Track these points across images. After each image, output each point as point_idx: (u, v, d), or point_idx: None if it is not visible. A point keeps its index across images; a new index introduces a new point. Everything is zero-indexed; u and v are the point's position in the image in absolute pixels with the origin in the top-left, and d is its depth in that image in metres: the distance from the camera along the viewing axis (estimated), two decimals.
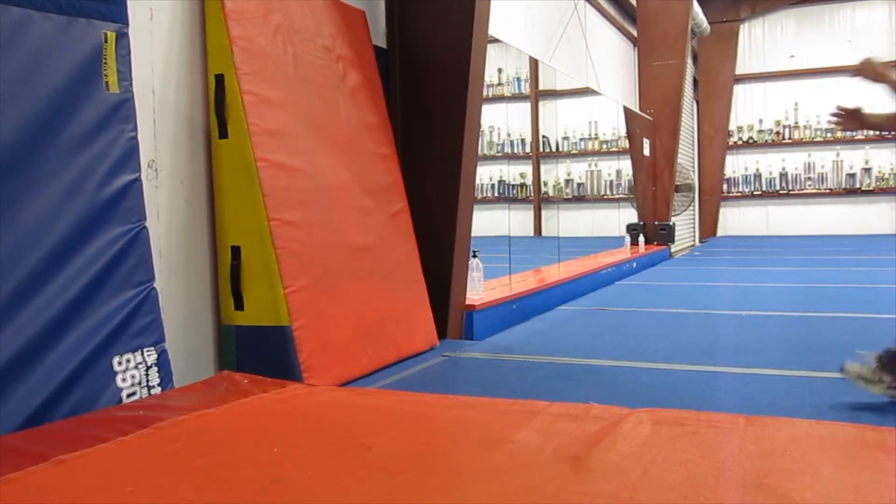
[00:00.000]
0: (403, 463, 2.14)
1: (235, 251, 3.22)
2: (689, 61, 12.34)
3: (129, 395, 2.67)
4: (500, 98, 13.95)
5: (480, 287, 4.90)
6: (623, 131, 11.38)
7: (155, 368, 2.78)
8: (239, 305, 3.23)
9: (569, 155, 15.02)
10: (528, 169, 14.81)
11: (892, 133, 3.06)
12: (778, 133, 15.00)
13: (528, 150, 14.75)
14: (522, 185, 15.07)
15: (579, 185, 14.98)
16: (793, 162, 14.88)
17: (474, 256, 4.79)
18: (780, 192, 14.97)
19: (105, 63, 2.71)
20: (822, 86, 14.53)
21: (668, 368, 3.65)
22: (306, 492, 1.93)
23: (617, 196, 14.37)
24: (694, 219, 14.64)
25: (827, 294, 6.62)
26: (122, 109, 2.77)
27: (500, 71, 13.83)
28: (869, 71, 2.90)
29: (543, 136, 14.81)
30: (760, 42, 15.12)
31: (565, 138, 14.99)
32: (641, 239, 10.13)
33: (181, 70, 3.19)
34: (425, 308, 4.21)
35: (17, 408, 2.32)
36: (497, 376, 3.62)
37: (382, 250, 3.92)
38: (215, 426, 2.49)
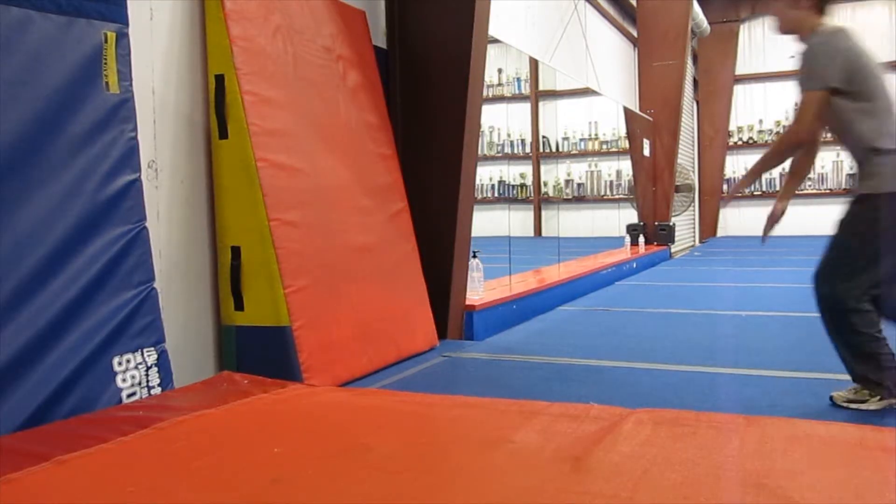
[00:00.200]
0: (403, 463, 2.14)
1: (235, 251, 3.22)
2: (689, 61, 12.34)
3: (129, 396, 2.67)
4: (500, 98, 13.96)
5: (480, 287, 4.90)
6: (623, 131, 11.38)
7: (155, 369, 2.78)
8: (239, 306, 3.23)
9: (569, 155, 15.03)
10: (528, 169, 14.82)
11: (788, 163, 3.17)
12: (778, 133, 15.00)
13: (528, 150, 14.76)
14: (522, 186, 15.08)
15: (579, 185, 14.99)
16: None
17: (474, 257, 4.79)
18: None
19: (105, 63, 2.71)
20: None
21: (668, 369, 3.65)
22: (306, 492, 1.93)
23: (617, 196, 14.37)
24: (694, 219, 14.64)
25: None
26: (122, 109, 2.77)
27: (500, 71, 13.83)
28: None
29: (543, 137, 14.82)
30: (760, 42, 15.12)
31: (565, 138, 14.99)
32: (641, 239, 10.13)
33: (181, 70, 3.19)
34: (425, 308, 4.21)
35: (17, 408, 2.32)
36: (497, 376, 3.62)
37: (382, 250, 3.92)
38: (215, 426, 2.49)
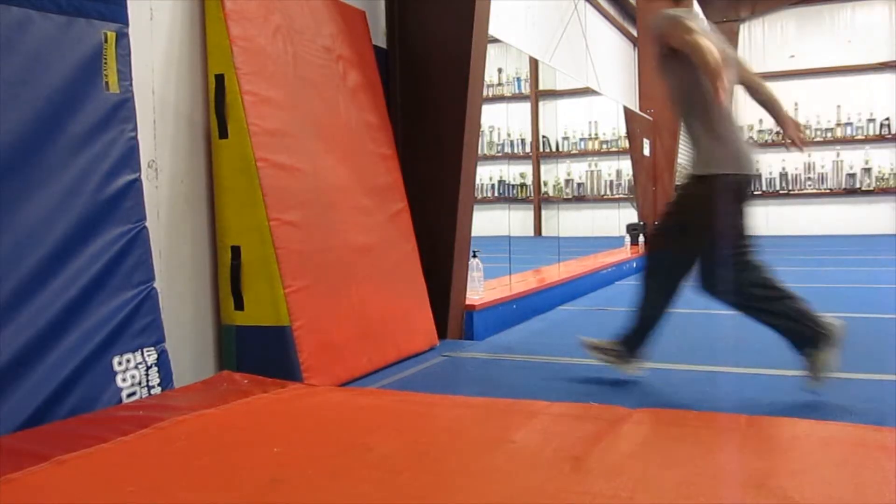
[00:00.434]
0: (403, 463, 2.14)
1: (235, 251, 3.22)
2: None
3: (129, 395, 2.67)
4: (500, 98, 13.97)
5: (480, 287, 4.90)
6: (623, 131, 11.39)
7: (155, 368, 2.78)
8: (239, 305, 3.23)
9: (569, 155, 15.04)
10: (528, 169, 14.83)
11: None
12: (778, 133, 14.97)
13: (528, 150, 14.76)
14: (522, 185, 15.08)
15: (579, 185, 14.99)
16: (793, 162, 14.88)
17: (474, 256, 4.79)
18: (780, 192, 14.98)
19: (105, 63, 2.71)
20: (822, 86, 14.54)
21: (668, 368, 3.65)
22: (306, 492, 1.93)
23: (617, 196, 14.38)
24: None
25: (827, 294, 6.61)
26: (122, 109, 2.77)
27: (500, 71, 13.84)
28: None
29: (543, 136, 14.83)
30: (760, 42, 15.13)
31: (565, 138, 15.00)
32: (641, 239, 10.13)
33: (181, 70, 3.19)
34: (425, 308, 4.21)
35: (17, 408, 2.32)
36: (497, 376, 3.62)
37: (382, 250, 3.92)
38: (215, 426, 2.49)
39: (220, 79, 3.21)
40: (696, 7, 11.58)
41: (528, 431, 2.42)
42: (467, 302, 4.62)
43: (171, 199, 3.13)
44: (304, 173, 3.46)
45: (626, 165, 11.41)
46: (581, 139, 14.84)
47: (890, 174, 14.24)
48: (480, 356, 4.03)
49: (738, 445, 2.24)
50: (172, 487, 1.95)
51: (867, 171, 14.37)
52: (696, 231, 3.05)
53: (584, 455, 2.13)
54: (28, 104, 2.47)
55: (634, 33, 11.08)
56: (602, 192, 14.84)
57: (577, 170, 14.96)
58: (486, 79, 5.02)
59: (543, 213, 14.80)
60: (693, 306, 5.55)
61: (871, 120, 14.32)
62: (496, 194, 14.96)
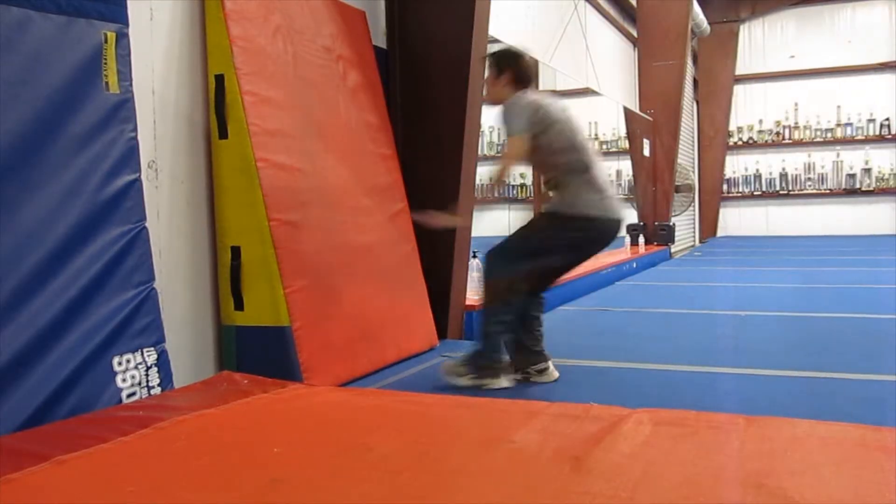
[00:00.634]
0: (403, 463, 2.14)
1: (235, 251, 3.22)
2: (689, 61, 12.34)
3: (129, 396, 2.67)
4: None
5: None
6: (623, 132, 11.37)
7: (155, 369, 2.78)
8: (239, 305, 3.23)
9: None
10: (527, 169, 14.80)
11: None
12: (778, 133, 15.00)
13: None
14: (522, 186, 15.07)
15: None
16: (793, 162, 14.87)
17: (474, 257, 4.79)
18: (780, 192, 14.97)
19: (105, 63, 2.71)
20: (822, 86, 14.53)
21: (668, 369, 3.65)
22: (306, 492, 1.93)
23: (617, 196, 14.37)
24: (694, 219, 14.64)
25: (827, 294, 6.62)
26: (122, 109, 2.77)
27: None
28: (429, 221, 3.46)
29: None
30: (760, 42, 15.12)
31: None
32: (641, 239, 10.13)
33: (181, 70, 3.19)
34: (425, 308, 4.21)
35: (17, 408, 2.32)
36: None
37: (382, 250, 3.92)
38: (215, 426, 2.49)
39: (220, 79, 3.21)
40: (697, 7, 11.59)
41: (527, 431, 2.41)
42: (467, 302, 4.62)
43: (171, 199, 3.13)
44: (304, 173, 3.46)
45: (626, 165, 11.39)
46: None
47: (890, 174, 14.24)
48: None
49: (737, 445, 2.24)
50: (172, 487, 1.95)
51: (867, 171, 14.36)
52: (537, 249, 3.29)
53: (584, 455, 2.13)
54: (28, 104, 2.47)
55: (634, 33, 11.08)
56: None
57: None
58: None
59: None
60: (693, 306, 5.53)
61: (871, 120, 14.31)
62: (496, 194, 14.93)
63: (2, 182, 2.38)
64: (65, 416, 2.43)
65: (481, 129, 4.77)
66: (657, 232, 10.90)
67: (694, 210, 14.24)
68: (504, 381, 3.27)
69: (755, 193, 15.17)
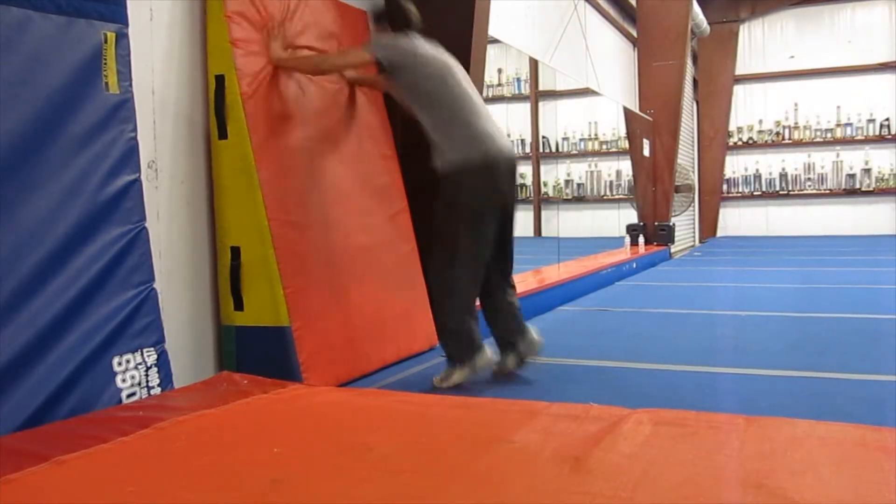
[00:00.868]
0: (403, 463, 2.14)
1: (235, 251, 3.22)
2: (689, 61, 12.34)
3: (128, 396, 2.67)
4: (500, 98, 13.95)
5: None
6: (623, 131, 11.38)
7: (155, 369, 2.78)
8: (239, 306, 3.23)
9: (569, 155, 15.02)
10: (527, 169, 14.80)
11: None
12: (778, 133, 14.99)
13: (527, 150, 14.74)
14: (522, 186, 15.05)
15: (579, 185, 14.98)
16: (793, 162, 14.87)
17: None
18: (780, 192, 14.96)
19: (105, 63, 2.71)
20: (822, 86, 14.53)
21: (668, 369, 3.65)
22: (306, 492, 1.93)
23: (617, 196, 14.37)
24: (694, 219, 14.64)
25: (827, 294, 6.62)
26: (122, 110, 2.77)
27: (500, 71, 13.83)
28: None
29: (543, 137, 14.81)
30: (760, 42, 15.11)
31: (565, 139, 14.99)
32: (641, 239, 10.13)
33: (181, 70, 3.19)
34: (425, 308, 4.20)
35: (17, 408, 2.32)
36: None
37: (382, 251, 3.92)
38: (215, 426, 2.49)
39: (220, 79, 3.21)
40: (697, 7, 11.59)
41: (527, 431, 2.41)
42: None
43: (171, 199, 3.13)
44: (304, 173, 3.46)
45: (626, 166, 11.40)
46: (581, 140, 14.82)
47: (890, 174, 14.23)
48: None
49: (737, 445, 2.24)
50: (172, 487, 1.95)
51: (867, 171, 14.35)
52: (460, 225, 3.21)
53: (584, 455, 2.13)
54: (28, 104, 2.47)
55: (634, 33, 11.08)
56: (602, 193, 14.83)
57: (577, 170, 14.94)
58: (486, 79, 5.01)
59: (543, 213, 14.77)
60: (693, 306, 5.53)
61: (871, 120, 14.30)
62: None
63: (2, 182, 2.38)
64: (65, 417, 2.43)
65: None
66: (657, 232, 10.90)
67: (694, 210, 14.24)
68: (488, 352, 3.30)
69: (755, 193, 15.17)
